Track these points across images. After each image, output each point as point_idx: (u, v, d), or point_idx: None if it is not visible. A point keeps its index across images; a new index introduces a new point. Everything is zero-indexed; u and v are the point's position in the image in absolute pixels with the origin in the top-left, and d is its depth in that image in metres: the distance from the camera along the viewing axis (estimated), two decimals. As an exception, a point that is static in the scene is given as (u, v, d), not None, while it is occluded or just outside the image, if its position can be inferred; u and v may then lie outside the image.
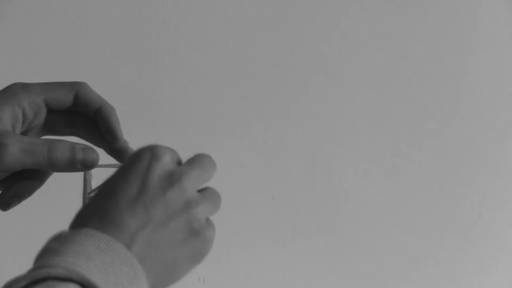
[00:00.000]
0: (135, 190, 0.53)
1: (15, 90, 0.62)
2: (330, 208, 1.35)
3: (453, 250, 1.35)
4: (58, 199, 1.31)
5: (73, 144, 0.62)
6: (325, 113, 1.35)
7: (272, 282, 1.36)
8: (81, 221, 0.53)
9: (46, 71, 1.35)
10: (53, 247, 0.50)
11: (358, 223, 1.35)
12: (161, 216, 0.53)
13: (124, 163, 0.56)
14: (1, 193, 0.63)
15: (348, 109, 1.35)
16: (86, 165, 0.62)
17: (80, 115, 0.65)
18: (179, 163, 0.58)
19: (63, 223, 1.40)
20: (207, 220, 0.57)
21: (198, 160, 0.58)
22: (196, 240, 0.55)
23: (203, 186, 0.59)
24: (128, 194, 0.53)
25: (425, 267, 1.35)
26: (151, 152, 0.55)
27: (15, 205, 0.64)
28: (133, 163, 0.55)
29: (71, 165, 0.61)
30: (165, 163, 0.55)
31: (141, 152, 0.56)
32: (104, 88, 1.46)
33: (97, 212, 0.53)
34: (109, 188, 0.54)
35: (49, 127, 0.65)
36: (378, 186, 1.35)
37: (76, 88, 0.64)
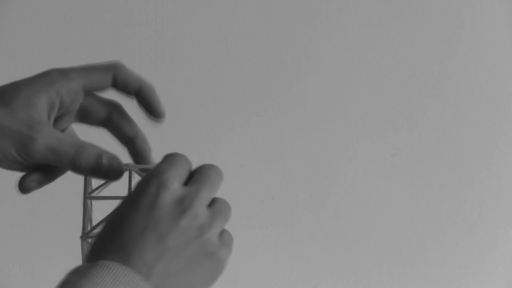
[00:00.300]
0: (147, 220, 0.53)
1: (53, 77, 0.61)
2: (330, 208, 1.35)
3: (453, 250, 1.35)
4: (58, 199, 1.31)
5: (100, 152, 0.61)
6: (325, 113, 1.35)
7: (272, 282, 1.36)
8: (97, 254, 0.52)
9: (46, 71, 1.35)
10: (72, 280, 0.50)
11: (358, 223, 1.35)
12: (176, 245, 0.53)
13: (131, 192, 0.56)
14: (22, 176, 0.63)
15: (348, 109, 1.35)
16: (109, 176, 0.61)
17: (115, 109, 0.64)
18: (189, 175, 0.57)
19: (63, 223, 1.41)
20: (220, 237, 0.56)
21: (205, 175, 0.57)
22: (211, 262, 0.55)
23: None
24: (140, 224, 0.53)
25: (425, 267, 1.35)
26: (158, 180, 0.55)
27: (35, 190, 0.64)
28: (141, 192, 0.55)
29: (94, 173, 0.61)
30: (174, 189, 0.55)
31: (148, 180, 0.55)
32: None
33: (112, 244, 0.53)
34: (120, 218, 0.54)
35: (83, 115, 0.64)
36: (378, 186, 1.35)
37: (114, 70, 0.63)
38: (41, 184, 0.63)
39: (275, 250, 1.36)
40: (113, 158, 0.61)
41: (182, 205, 0.54)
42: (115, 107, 0.64)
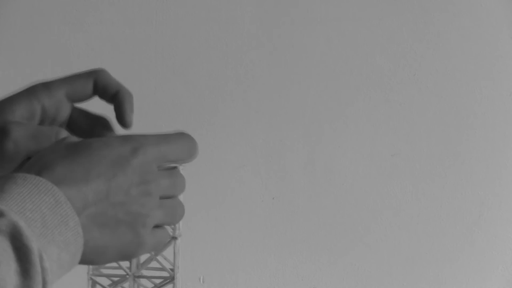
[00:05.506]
0: (106, 169, 0.53)
1: (35, 88, 0.63)
2: (330, 208, 1.36)
3: (453, 250, 1.35)
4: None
5: (75, 137, 0.62)
6: (325, 113, 1.35)
7: (272, 282, 1.36)
8: (39, 168, 0.52)
9: (46, 71, 1.35)
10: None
11: (358, 223, 1.35)
12: (116, 203, 0.53)
13: (113, 136, 0.56)
14: None
15: (348, 109, 1.35)
16: None
17: (99, 123, 0.65)
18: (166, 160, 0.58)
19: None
20: (156, 228, 0.56)
21: (173, 174, 0.57)
22: (132, 238, 0.55)
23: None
24: (99, 169, 0.53)
25: (425, 267, 1.35)
26: (139, 146, 0.55)
27: None
28: (118, 143, 0.55)
29: None
30: (147, 162, 0.55)
31: (132, 139, 0.55)
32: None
33: (65, 165, 0.52)
34: (87, 150, 0.54)
35: (70, 127, 0.65)
36: (378, 186, 1.35)
37: (94, 76, 0.64)
38: None
39: (275, 250, 1.36)
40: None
41: (143, 178, 0.55)
42: (100, 121, 0.65)
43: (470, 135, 1.35)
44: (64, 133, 0.60)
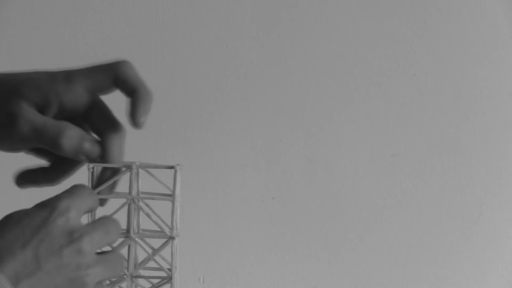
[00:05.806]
0: (31, 236, 0.53)
1: (56, 79, 0.61)
2: (330, 208, 1.35)
3: (453, 250, 1.35)
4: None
5: (83, 135, 0.60)
6: (325, 113, 1.35)
7: (272, 282, 1.36)
8: None
9: (46, 71, 1.35)
10: None
11: (358, 223, 1.35)
12: (49, 271, 0.53)
13: (28, 209, 0.56)
14: (21, 173, 0.63)
15: (348, 109, 1.35)
16: (90, 158, 0.61)
17: (113, 128, 0.63)
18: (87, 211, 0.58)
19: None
20: (99, 284, 0.56)
21: (103, 223, 0.57)
22: None
23: (104, 249, 0.58)
24: (24, 238, 0.53)
25: (425, 267, 1.35)
26: (52, 206, 0.55)
27: (28, 187, 0.64)
28: (36, 210, 0.55)
29: (76, 155, 0.60)
30: (69, 217, 0.55)
31: (43, 203, 0.55)
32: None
33: None
34: (8, 223, 0.54)
35: (86, 119, 0.63)
36: (378, 186, 1.35)
37: (116, 70, 0.62)
38: (35, 183, 0.64)
39: (275, 250, 1.36)
40: (94, 142, 0.61)
41: (71, 236, 0.54)
42: (114, 127, 0.63)
43: (470, 135, 1.35)
44: (69, 131, 0.59)
